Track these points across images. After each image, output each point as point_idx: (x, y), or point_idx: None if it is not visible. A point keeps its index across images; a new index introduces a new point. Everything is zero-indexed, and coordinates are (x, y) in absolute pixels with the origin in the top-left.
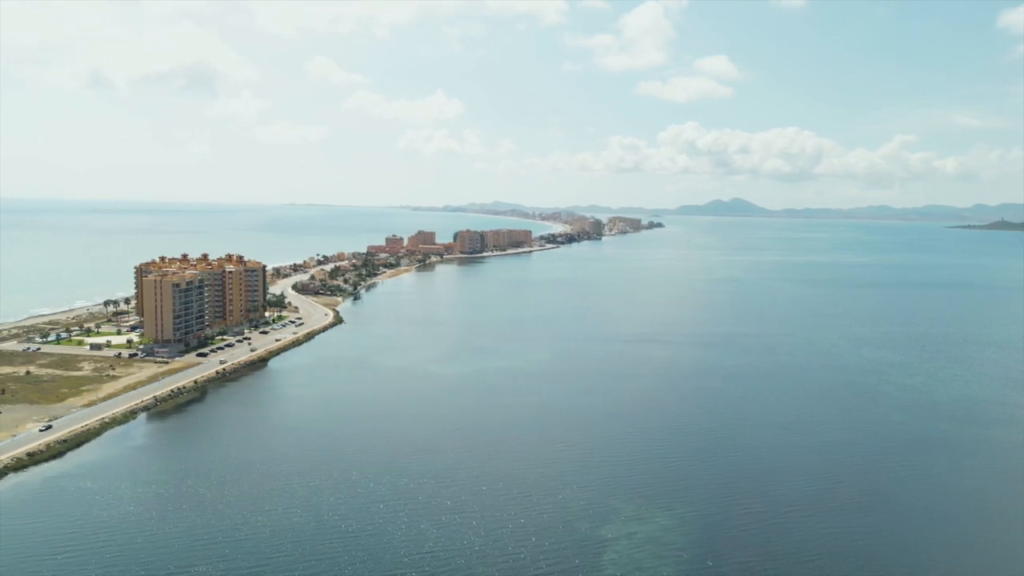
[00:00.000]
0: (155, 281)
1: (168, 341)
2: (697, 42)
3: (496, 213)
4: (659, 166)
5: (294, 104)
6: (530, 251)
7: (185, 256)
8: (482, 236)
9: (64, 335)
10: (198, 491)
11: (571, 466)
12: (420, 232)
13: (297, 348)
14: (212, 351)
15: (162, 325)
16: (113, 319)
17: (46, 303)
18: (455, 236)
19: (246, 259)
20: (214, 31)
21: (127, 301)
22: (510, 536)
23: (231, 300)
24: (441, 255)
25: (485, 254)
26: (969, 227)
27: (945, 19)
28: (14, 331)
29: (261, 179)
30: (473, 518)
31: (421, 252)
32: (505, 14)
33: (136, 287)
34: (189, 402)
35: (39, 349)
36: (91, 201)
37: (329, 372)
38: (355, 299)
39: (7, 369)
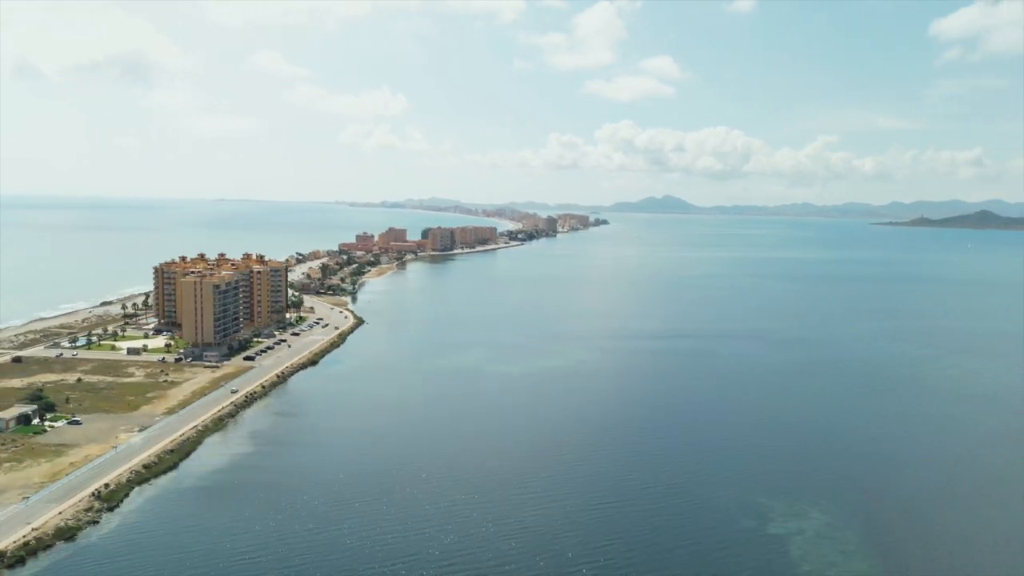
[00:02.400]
0: (195, 282)
1: (209, 344)
2: (646, 43)
3: (436, 209)
4: (596, 164)
5: (233, 97)
6: (495, 248)
7: (202, 255)
8: (452, 233)
9: (93, 340)
10: (341, 498)
11: (694, 464)
12: (391, 229)
13: (336, 350)
14: (256, 354)
15: (202, 328)
16: (131, 321)
17: (43, 306)
18: (423, 233)
19: (267, 258)
20: (154, 20)
21: (145, 303)
22: (686, 534)
23: (259, 301)
24: (415, 252)
25: (456, 251)
26: (891, 224)
27: (883, 26)
28: (30, 336)
29: (190, 173)
30: (630, 516)
31: (394, 249)
32: (463, 12)
33: (155, 287)
34: (267, 407)
35: (76, 355)
36: (16, 196)
37: (388, 374)
38: (353, 298)
39: (52, 376)
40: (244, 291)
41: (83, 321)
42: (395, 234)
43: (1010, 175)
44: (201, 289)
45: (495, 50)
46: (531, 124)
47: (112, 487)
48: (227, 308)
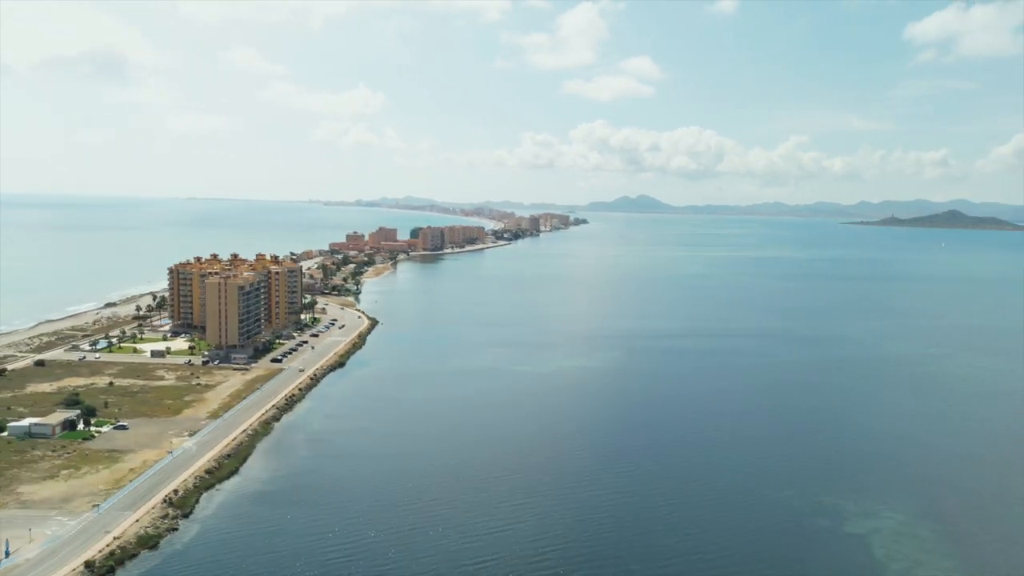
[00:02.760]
0: (219, 283)
1: (233, 346)
2: (628, 43)
3: (412, 208)
4: (572, 163)
5: (207, 94)
6: (483, 248)
7: (215, 256)
8: (442, 233)
9: (112, 342)
10: (412, 499)
11: (748, 463)
12: (381, 229)
13: (359, 351)
14: (282, 356)
15: (226, 330)
16: (144, 322)
17: (46, 307)
18: (412, 233)
19: (280, 258)
20: (126, 16)
21: (158, 304)
22: (762, 537)
23: (277, 302)
24: (406, 252)
25: (446, 251)
26: (863, 223)
27: (859, 29)
28: (44, 339)
29: (161, 171)
30: (703, 515)
31: (385, 248)
32: (446, 11)
33: (171, 288)
34: (309, 411)
35: (98, 357)
36: None
37: (419, 376)
38: (357, 298)
39: (80, 380)
40: (263, 292)
41: (93, 323)
42: (385, 233)
43: (975, 175)
44: (226, 290)
45: (477, 49)
46: (509, 123)
47: (181, 493)
48: (250, 309)
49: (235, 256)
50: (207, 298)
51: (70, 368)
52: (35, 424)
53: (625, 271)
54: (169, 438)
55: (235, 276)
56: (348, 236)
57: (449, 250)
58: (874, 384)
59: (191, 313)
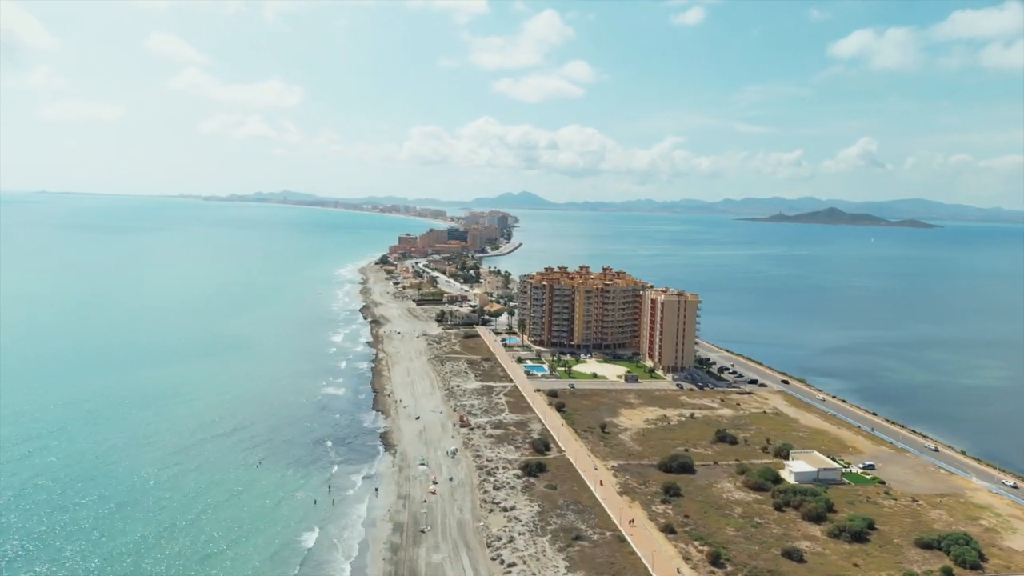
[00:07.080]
0: (678, 301)
1: (683, 369)
2: (578, 48)
3: (299, 203)
4: (464, 159)
5: (103, 81)
6: (508, 251)
7: (586, 268)
8: (483, 235)
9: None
10: None
11: None
12: (432, 231)
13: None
14: (730, 373)
15: (683, 351)
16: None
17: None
18: (449, 234)
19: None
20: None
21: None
22: None
23: None
24: (463, 253)
25: (488, 252)
26: (754, 220)
27: (793, 41)
28: (449, 366)
29: (12, 162)
30: None
31: (438, 250)
32: (423, 11)
33: (542, 302)
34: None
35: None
36: None
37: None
38: None
39: (669, 411)
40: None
41: (446, 348)
42: (436, 235)
43: (821, 175)
44: (685, 309)
45: (427, 48)
46: (414, 120)
47: None
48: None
49: (584, 268)
50: (664, 317)
51: (616, 397)
52: (824, 470)
53: (734, 273)
54: (943, 479)
55: (682, 293)
56: (401, 238)
57: (489, 251)
58: None
59: (566, 331)
